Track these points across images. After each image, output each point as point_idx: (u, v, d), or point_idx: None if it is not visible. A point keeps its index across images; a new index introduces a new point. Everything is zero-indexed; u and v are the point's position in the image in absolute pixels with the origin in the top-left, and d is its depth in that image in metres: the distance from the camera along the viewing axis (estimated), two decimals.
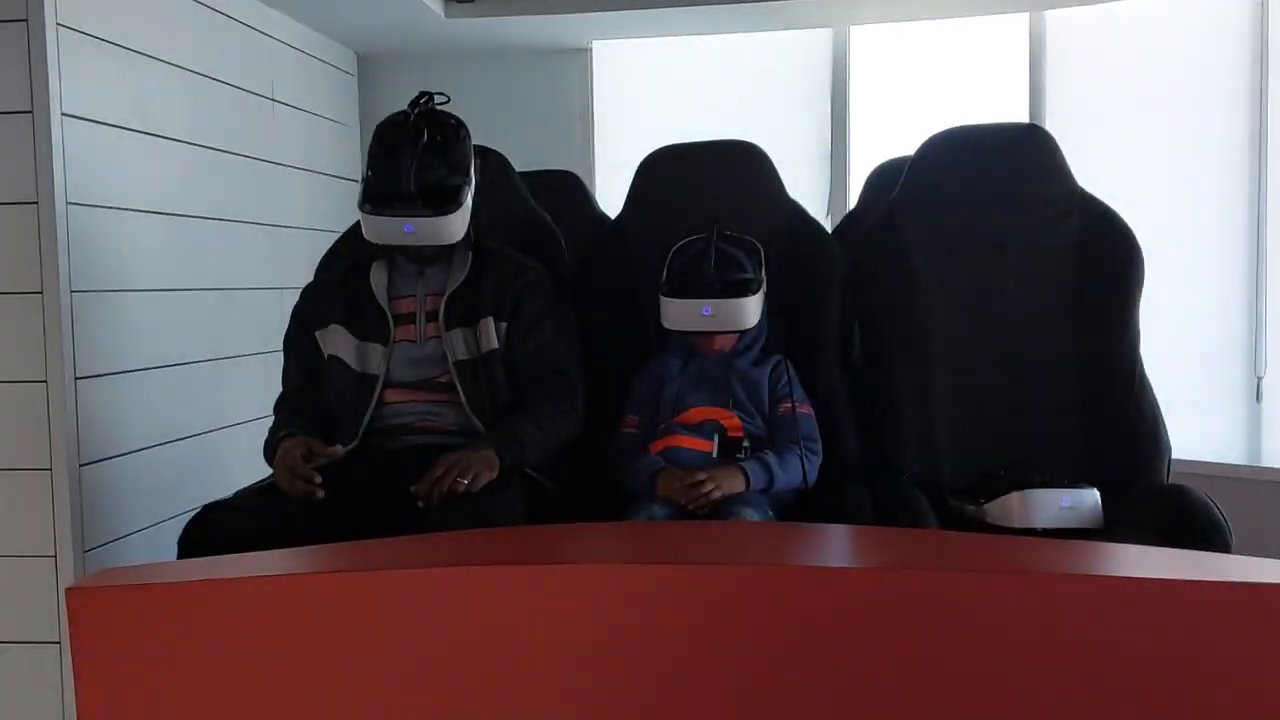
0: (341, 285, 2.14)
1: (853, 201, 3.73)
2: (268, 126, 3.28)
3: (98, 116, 2.45)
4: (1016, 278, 2.18)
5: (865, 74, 3.92)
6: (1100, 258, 2.14)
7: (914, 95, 3.86)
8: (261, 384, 3.16)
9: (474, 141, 2.09)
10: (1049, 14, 3.65)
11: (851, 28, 3.86)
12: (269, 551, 1.54)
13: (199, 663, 1.31)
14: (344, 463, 1.94)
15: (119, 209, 2.56)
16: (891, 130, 3.79)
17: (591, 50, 4.00)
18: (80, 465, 2.38)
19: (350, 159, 3.88)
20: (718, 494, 1.90)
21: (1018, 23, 3.71)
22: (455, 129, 2.04)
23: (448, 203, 1.97)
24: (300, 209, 3.46)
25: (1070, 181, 2.18)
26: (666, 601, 1.24)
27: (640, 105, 4.02)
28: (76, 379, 2.37)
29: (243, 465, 2.97)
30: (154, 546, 2.64)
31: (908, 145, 3.40)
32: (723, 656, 1.23)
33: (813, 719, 1.23)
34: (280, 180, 3.35)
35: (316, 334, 2.11)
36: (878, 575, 1.28)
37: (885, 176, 3.05)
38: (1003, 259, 2.19)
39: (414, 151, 1.96)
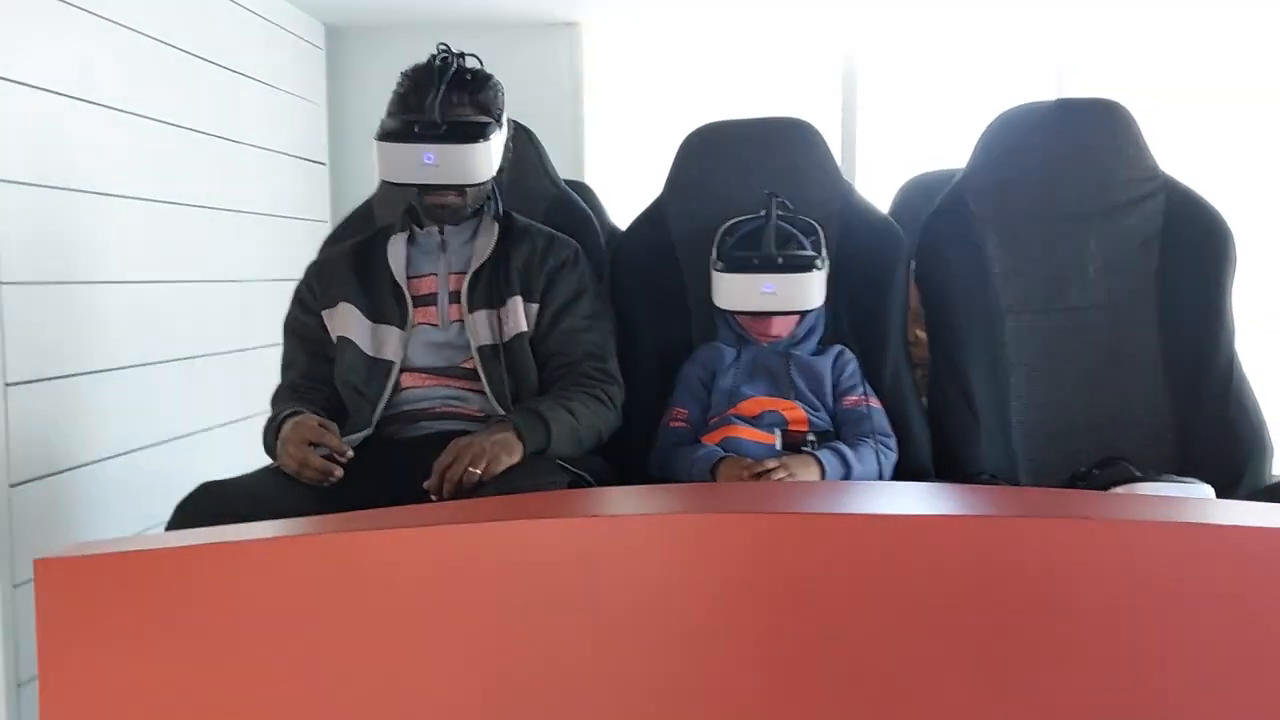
0: (352, 262, 2.01)
1: (862, 187, 3.69)
2: (227, 101, 3.10)
3: (37, 81, 2.24)
4: (1096, 263, 2.12)
5: (883, 59, 3.83)
6: (1188, 242, 2.09)
7: (933, 81, 3.80)
8: (222, 387, 3.00)
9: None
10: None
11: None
12: (259, 523, 1.39)
13: (179, 638, 1.18)
14: (357, 450, 1.79)
15: (60, 189, 2.37)
16: (907, 116, 3.75)
17: (580, 26, 3.84)
18: (10, 485, 2.18)
19: (316, 139, 3.72)
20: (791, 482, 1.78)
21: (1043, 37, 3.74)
22: (487, 76, 1.96)
23: (474, 134, 1.87)
24: (260, 193, 3.29)
25: (1151, 161, 2.14)
26: (727, 552, 1.12)
27: (636, 87, 3.87)
28: (6, 385, 2.17)
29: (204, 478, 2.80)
30: None
31: (923, 133, 3.35)
32: (791, 613, 1.11)
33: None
34: (240, 161, 3.17)
35: (324, 313, 1.97)
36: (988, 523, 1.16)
37: (917, 191, 3.02)
38: (1081, 242, 2.13)
39: (439, 86, 1.86)
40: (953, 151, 3.48)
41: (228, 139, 3.08)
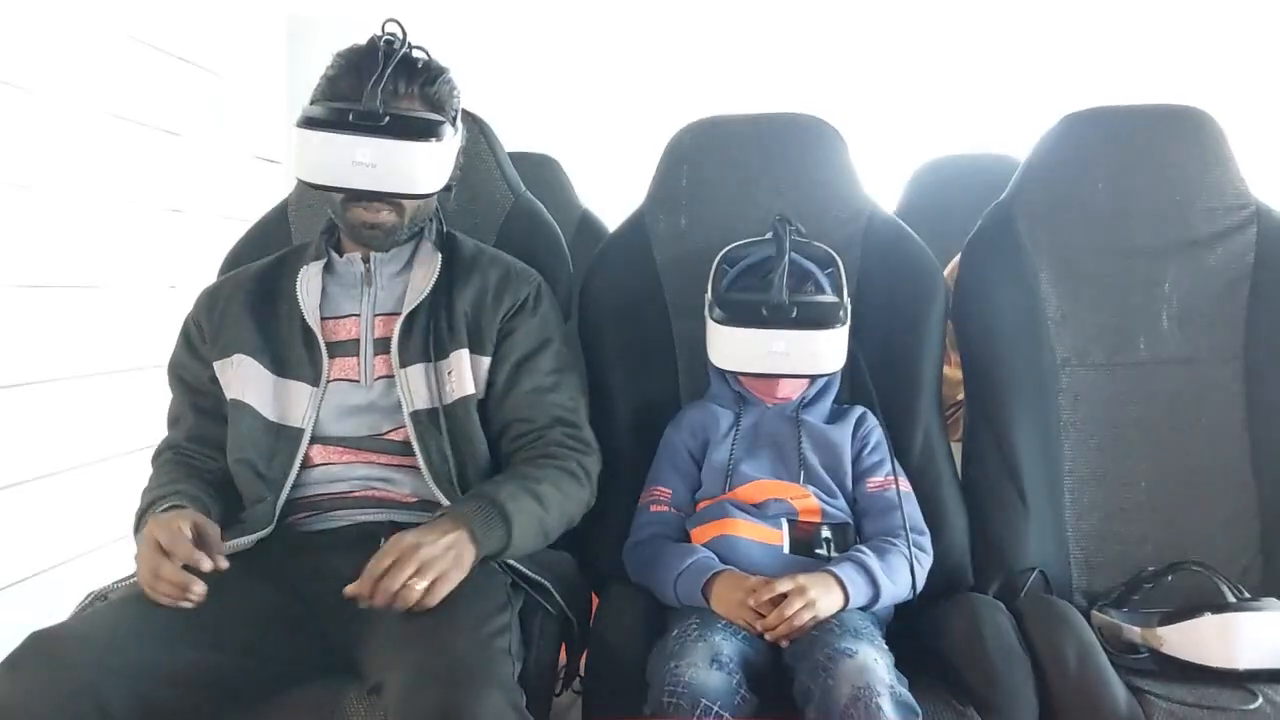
0: (252, 296, 1.54)
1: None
2: (171, 89, 2.67)
3: None
4: (1170, 307, 1.69)
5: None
6: None
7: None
8: (145, 409, 2.56)
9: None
10: None
11: None
12: None
13: None
14: (253, 549, 1.36)
15: None
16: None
17: None
18: None
19: (273, 136, 3.24)
20: (808, 615, 1.35)
21: None
22: (442, 68, 1.50)
23: (424, 132, 1.42)
24: (205, 192, 2.86)
25: (1241, 184, 1.70)
26: None
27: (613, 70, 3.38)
28: None
29: (115, 512, 2.39)
30: None
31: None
32: None
33: None
34: (183, 156, 2.75)
35: (215, 365, 1.52)
36: None
37: (933, 175, 2.60)
38: (1153, 282, 1.69)
39: (384, 67, 1.41)
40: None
41: (170, 131, 2.66)
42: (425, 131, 1.41)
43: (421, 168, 1.42)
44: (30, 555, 2.16)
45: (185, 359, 1.56)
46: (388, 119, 1.38)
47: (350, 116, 1.38)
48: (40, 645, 1.17)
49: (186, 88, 2.74)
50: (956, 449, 1.75)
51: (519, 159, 2.16)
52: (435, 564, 1.26)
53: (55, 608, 1.37)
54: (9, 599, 2.08)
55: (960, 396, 1.89)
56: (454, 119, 1.48)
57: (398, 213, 1.48)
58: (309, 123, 1.40)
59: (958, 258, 2.10)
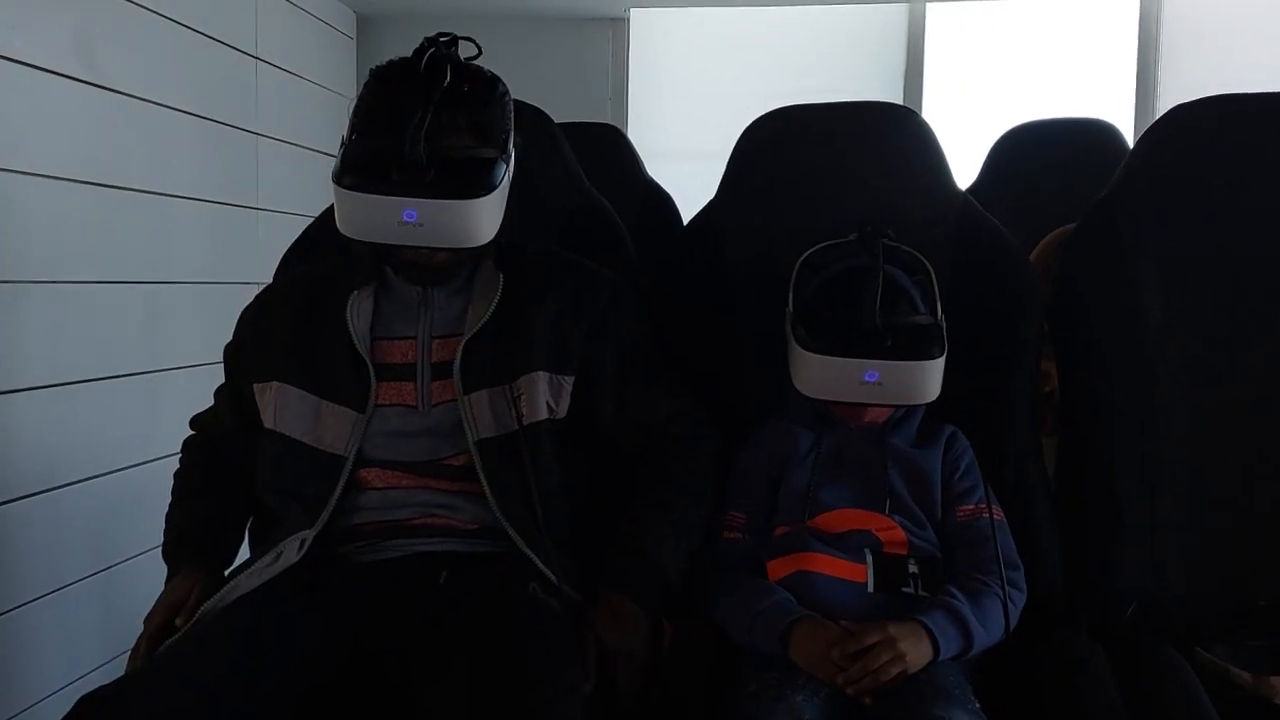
0: (299, 315, 1.45)
1: None
2: (246, 88, 2.73)
3: (28, 58, 1.94)
4: None
5: (943, 56, 3.47)
6: None
7: (1000, 81, 3.44)
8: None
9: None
10: None
11: (929, 4, 3.40)
12: None
13: None
14: (306, 585, 1.31)
15: (44, 176, 2.01)
16: (973, 121, 3.26)
17: (628, 20, 3.49)
18: None
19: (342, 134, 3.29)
20: (896, 669, 1.24)
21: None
22: (491, 84, 1.35)
23: (475, 183, 1.28)
24: (279, 189, 2.90)
25: None
26: None
27: (682, 85, 3.55)
28: None
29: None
30: (60, 617, 2.11)
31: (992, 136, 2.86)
32: None
33: None
34: (257, 153, 2.80)
35: (255, 387, 1.44)
36: None
37: (1016, 144, 2.42)
38: (1274, 293, 1.52)
39: (427, 104, 1.26)
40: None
41: (245, 129, 2.73)
42: (477, 183, 1.27)
43: (474, 219, 1.29)
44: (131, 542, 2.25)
45: (233, 356, 1.51)
46: (433, 173, 1.24)
47: (393, 172, 1.24)
48: (90, 712, 1.09)
49: (263, 87, 2.80)
50: (1049, 445, 1.63)
51: (580, 130, 2.02)
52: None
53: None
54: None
55: (1049, 389, 1.76)
56: (505, 140, 1.33)
57: (452, 252, 1.36)
58: (347, 178, 1.27)
59: (1046, 240, 1.95)
